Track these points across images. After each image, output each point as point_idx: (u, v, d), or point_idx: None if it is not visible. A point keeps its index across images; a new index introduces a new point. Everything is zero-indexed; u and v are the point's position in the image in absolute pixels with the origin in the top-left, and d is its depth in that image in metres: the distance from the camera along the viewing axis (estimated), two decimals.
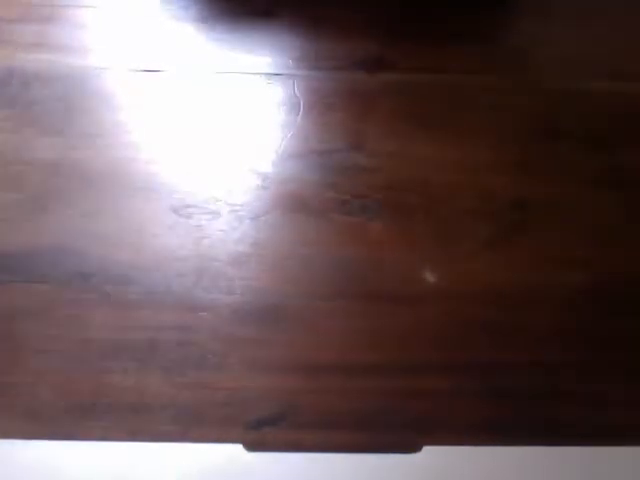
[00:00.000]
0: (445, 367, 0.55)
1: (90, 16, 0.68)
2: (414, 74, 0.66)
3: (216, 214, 0.59)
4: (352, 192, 0.61)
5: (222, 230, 0.59)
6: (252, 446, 0.51)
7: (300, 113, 0.64)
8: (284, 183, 0.61)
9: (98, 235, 0.58)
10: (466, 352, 0.55)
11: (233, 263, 0.57)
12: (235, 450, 0.51)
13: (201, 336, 0.54)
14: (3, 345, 0.53)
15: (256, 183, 0.61)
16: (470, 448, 0.52)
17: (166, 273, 0.57)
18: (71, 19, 0.67)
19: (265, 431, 0.52)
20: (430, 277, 0.58)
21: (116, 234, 0.58)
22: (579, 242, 0.60)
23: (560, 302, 0.58)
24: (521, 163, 0.63)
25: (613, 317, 0.57)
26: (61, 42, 0.66)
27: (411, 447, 0.51)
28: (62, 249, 0.57)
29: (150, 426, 0.51)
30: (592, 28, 0.71)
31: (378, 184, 0.61)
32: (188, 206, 0.59)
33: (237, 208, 0.60)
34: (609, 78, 0.67)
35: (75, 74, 0.64)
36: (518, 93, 0.66)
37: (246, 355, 0.54)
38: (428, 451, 0.51)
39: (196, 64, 0.66)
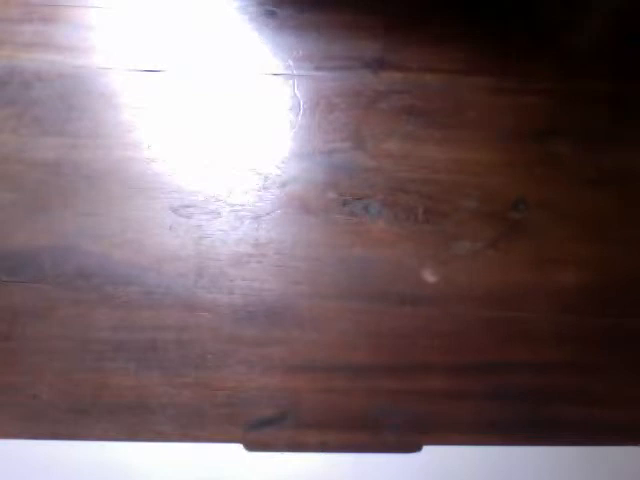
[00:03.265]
0: (445, 367, 0.55)
1: (91, 16, 0.67)
2: (415, 74, 0.66)
3: (216, 214, 0.59)
4: (353, 192, 0.61)
5: (222, 230, 0.59)
6: (252, 446, 0.51)
7: (301, 113, 0.64)
8: (285, 183, 0.61)
9: (98, 235, 0.58)
10: (466, 352, 0.55)
11: (233, 263, 0.57)
12: (235, 450, 0.51)
13: (201, 336, 0.54)
14: (3, 345, 0.53)
15: (257, 183, 0.61)
16: (470, 448, 0.52)
17: (166, 273, 0.57)
18: (71, 19, 0.67)
19: (265, 431, 0.52)
20: (430, 277, 0.58)
21: (116, 234, 0.58)
22: (579, 242, 0.60)
23: (560, 302, 0.58)
24: (521, 163, 0.63)
25: (612, 317, 0.57)
26: (61, 42, 0.66)
27: (411, 447, 0.51)
28: (62, 249, 0.57)
29: (150, 426, 0.51)
30: (592, 28, 0.71)
31: (379, 184, 0.61)
32: (188, 206, 0.59)
33: (238, 208, 0.60)
34: (609, 78, 0.67)
35: (75, 74, 0.64)
36: (518, 93, 0.66)
37: (246, 355, 0.54)
38: (428, 451, 0.51)
39: (197, 64, 0.66)
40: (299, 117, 0.64)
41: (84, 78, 0.64)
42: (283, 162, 0.62)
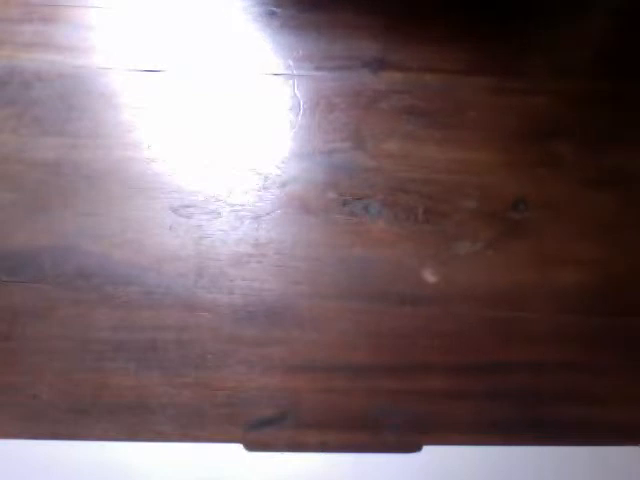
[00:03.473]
0: (445, 367, 0.55)
1: (91, 16, 0.68)
2: (415, 74, 0.66)
3: (216, 214, 0.59)
4: (353, 192, 0.61)
5: (222, 230, 0.59)
6: (252, 446, 0.51)
7: (301, 113, 0.64)
8: (285, 183, 0.61)
9: (98, 235, 0.58)
10: (466, 352, 0.55)
11: (233, 263, 0.57)
12: (235, 450, 0.51)
13: (201, 336, 0.54)
14: (3, 345, 0.53)
15: (257, 183, 0.61)
16: (470, 448, 0.52)
17: (166, 273, 0.57)
18: (72, 19, 0.67)
19: (265, 431, 0.52)
20: (430, 277, 0.58)
21: (116, 234, 0.58)
22: (579, 242, 0.60)
23: (560, 302, 0.58)
24: (521, 163, 0.63)
25: (612, 317, 0.57)
26: (61, 42, 0.66)
27: (411, 447, 0.51)
28: (62, 249, 0.57)
29: (150, 426, 0.51)
30: (592, 28, 0.71)
31: (379, 184, 0.61)
32: (188, 206, 0.59)
33: (238, 208, 0.60)
34: (609, 78, 0.67)
35: (75, 74, 0.64)
36: (519, 93, 0.66)
37: (246, 355, 0.54)
38: (428, 451, 0.51)
39: (197, 64, 0.66)
40: (299, 117, 0.64)
41: (84, 78, 0.64)
42: (283, 162, 0.62)
